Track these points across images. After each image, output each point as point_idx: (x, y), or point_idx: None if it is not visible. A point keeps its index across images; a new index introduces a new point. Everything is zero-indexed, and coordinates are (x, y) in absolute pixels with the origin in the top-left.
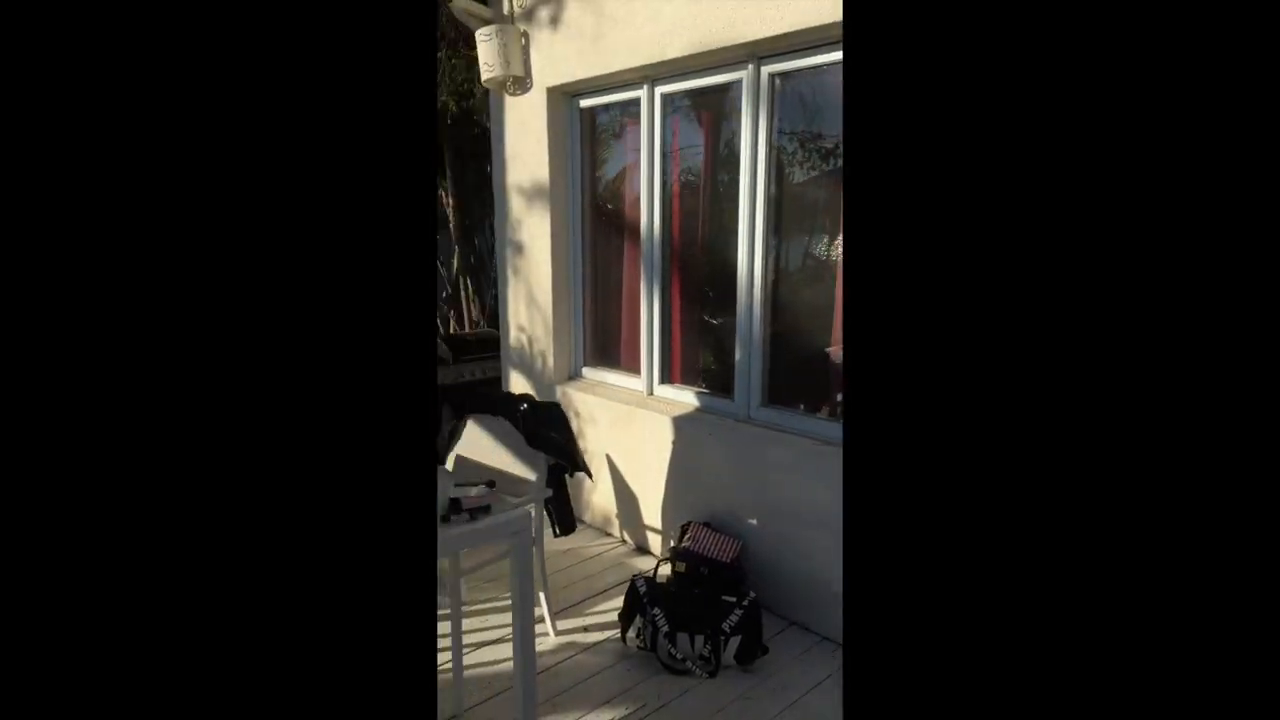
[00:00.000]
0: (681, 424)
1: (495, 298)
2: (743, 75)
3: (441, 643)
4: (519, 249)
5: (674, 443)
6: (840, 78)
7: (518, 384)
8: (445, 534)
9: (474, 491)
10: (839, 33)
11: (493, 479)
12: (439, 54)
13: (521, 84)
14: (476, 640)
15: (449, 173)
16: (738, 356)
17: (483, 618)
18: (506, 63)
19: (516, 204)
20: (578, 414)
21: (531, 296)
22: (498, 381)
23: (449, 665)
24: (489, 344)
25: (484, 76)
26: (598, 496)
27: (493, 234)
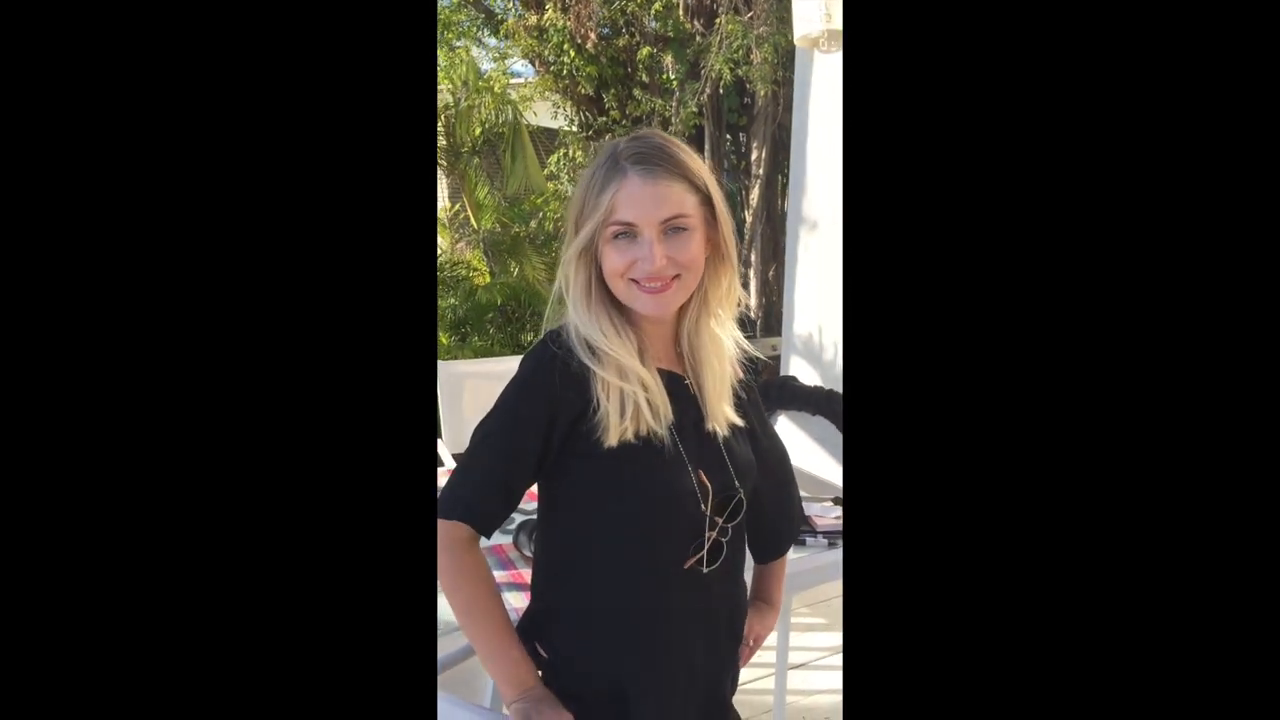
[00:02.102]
0: None
1: (745, 276)
2: None
3: (766, 657)
4: (813, 226)
5: None
6: None
7: (797, 369)
8: (805, 562)
9: (818, 508)
10: None
11: (839, 495)
12: (717, 18)
13: (839, 39)
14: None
15: (707, 144)
16: None
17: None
18: (828, 15)
19: (815, 175)
20: None
21: (825, 277)
22: (753, 364)
23: (770, 688)
24: (741, 324)
25: (797, 34)
26: None
27: (747, 210)
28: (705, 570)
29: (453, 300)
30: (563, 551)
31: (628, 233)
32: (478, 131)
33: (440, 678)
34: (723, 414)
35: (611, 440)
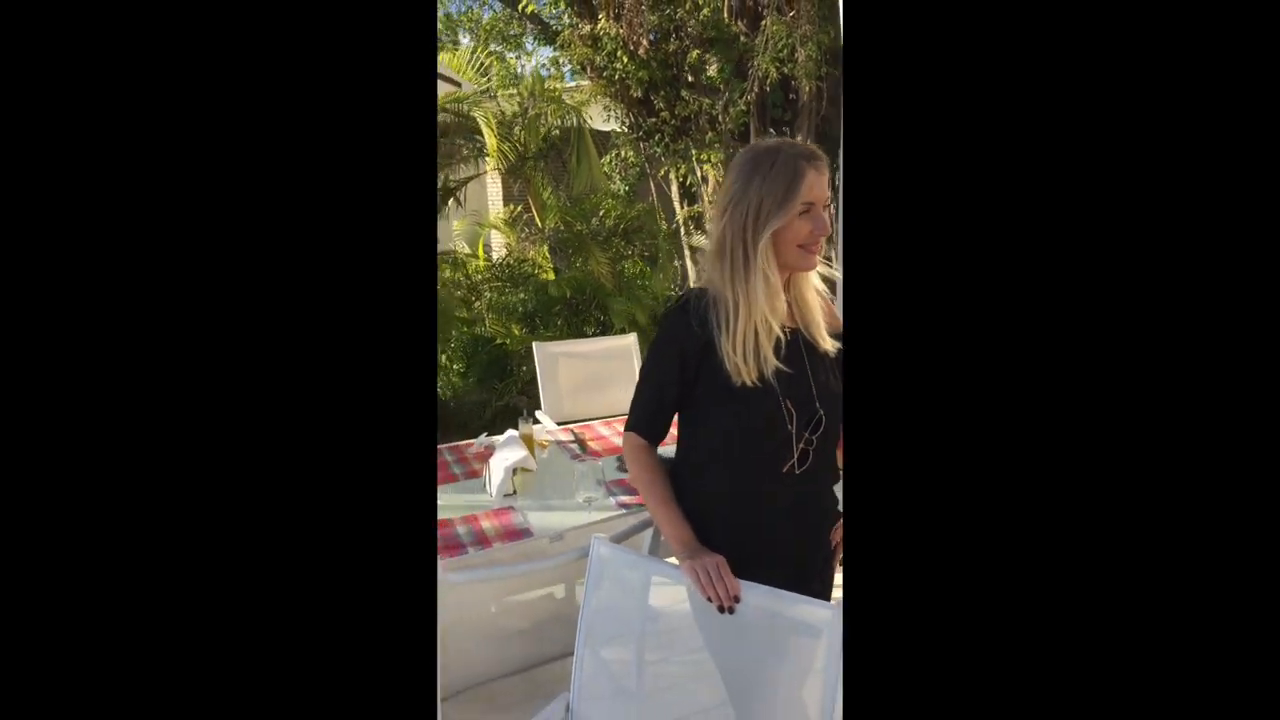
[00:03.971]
0: None
1: None
2: None
3: None
4: None
5: None
6: None
7: None
8: None
9: None
10: None
11: None
12: (762, 20)
13: None
14: None
15: (752, 140)
16: None
17: None
18: None
19: None
20: None
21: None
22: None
23: None
24: None
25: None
26: None
27: None
28: (798, 471)
29: (523, 295)
30: (692, 460)
31: (809, 211)
32: (542, 136)
33: (622, 544)
34: (826, 340)
35: (747, 380)
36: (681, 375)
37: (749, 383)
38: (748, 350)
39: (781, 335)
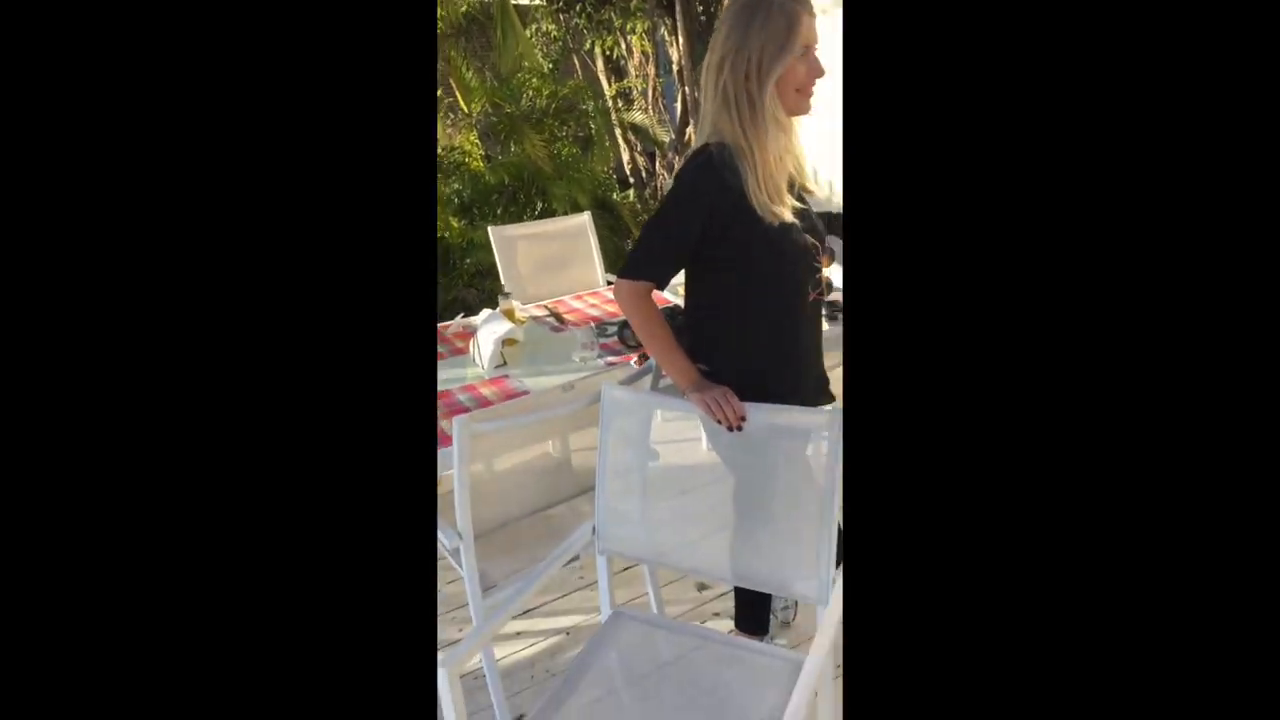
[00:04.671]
0: None
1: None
2: None
3: None
4: None
5: None
6: None
7: None
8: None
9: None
10: None
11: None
12: None
13: None
14: None
15: (677, 6)
16: None
17: None
18: None
19: None
20: None
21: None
22: None
23: None
24: None
25: None
26: None
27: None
28: (825, 299)
29: (457, 185)
30: (720, 302)
31: (805, 54)
32: (463, 10)
33: (629, 386)
34: (806, 180)
35: (773, 220)
36: (705, 228)
37: (775, 222)
38: (772, 191)
39: (793, 175)
